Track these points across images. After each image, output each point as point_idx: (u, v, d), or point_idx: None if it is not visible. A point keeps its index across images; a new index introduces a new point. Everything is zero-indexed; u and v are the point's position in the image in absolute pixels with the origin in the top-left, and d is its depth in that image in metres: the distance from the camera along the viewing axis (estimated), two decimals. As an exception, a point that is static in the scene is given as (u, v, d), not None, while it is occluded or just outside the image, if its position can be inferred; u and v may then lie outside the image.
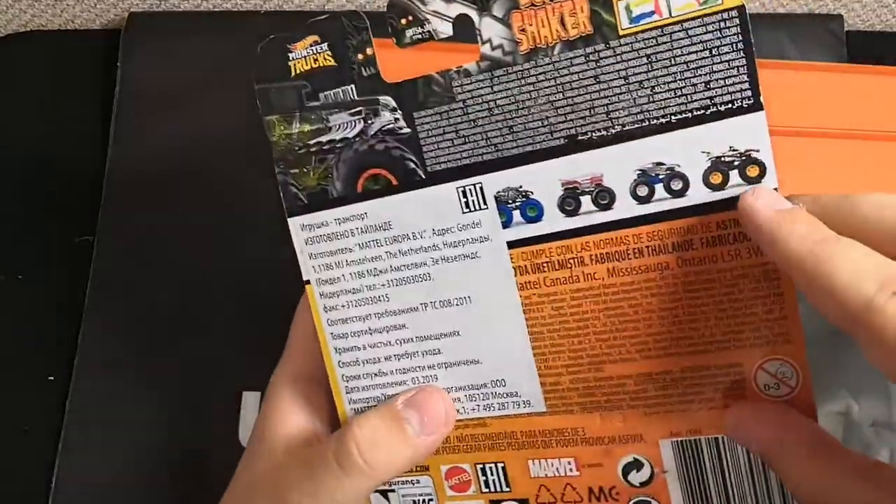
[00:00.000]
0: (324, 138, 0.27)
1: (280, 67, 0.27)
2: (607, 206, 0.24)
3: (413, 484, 0.29)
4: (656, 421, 0.25)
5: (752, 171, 0.23)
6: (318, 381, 0.30)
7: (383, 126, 0.26)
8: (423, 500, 0.29)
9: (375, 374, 0.28)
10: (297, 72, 0.27)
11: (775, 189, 0.23)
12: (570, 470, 0.27)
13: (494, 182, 0.25)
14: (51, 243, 0.44)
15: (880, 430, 0.37)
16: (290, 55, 0.27)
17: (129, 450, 0.40)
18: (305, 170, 0.27)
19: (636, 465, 0.26)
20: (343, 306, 0.28)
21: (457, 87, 0.25)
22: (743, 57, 0.22)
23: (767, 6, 0.47)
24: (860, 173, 0.39)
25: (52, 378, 0.42)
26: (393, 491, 0.29)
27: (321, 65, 0.26)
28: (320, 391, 0.30)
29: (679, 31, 0.23)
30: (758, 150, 0.23)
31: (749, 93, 0.22)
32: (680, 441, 0.25)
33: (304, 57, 0.26)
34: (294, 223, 0.28)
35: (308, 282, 0.28)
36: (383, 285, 0.27)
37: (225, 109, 0.45)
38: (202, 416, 0.40)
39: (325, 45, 0.26)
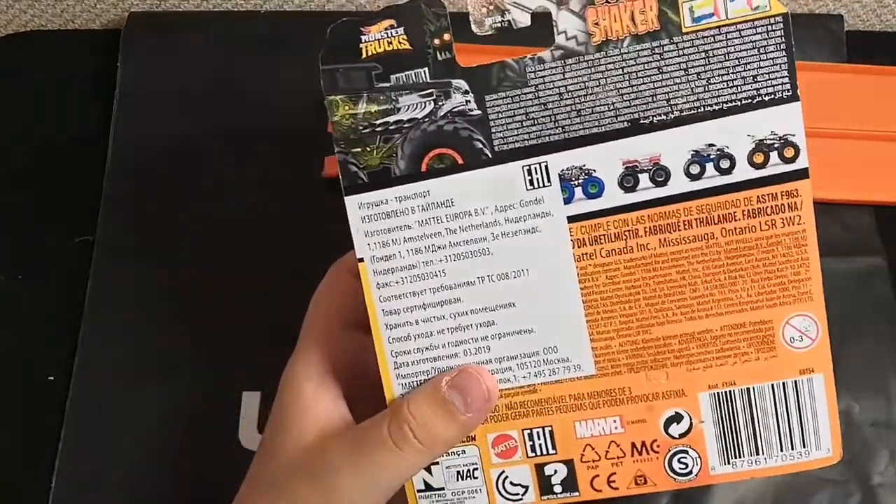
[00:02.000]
0: (391, 118, 0.28)
1: (350, 49, 0.28)
2: (663, 183, 0.28)
3: (459, 455, 0.30)
4: (696, 376, 0.29)
5: (789, 153, 0.27)
6: (337, 372, 0.31)
7: (454, 108, 0.28)
8: (469, 470, 0.30)
9: (426, 349, 0.29)
10: (369, 54, 0.28)
11: (806, 168, 0.27)
12: (616, 428, 0.29)
13: (559, 161, 0.28)
14: (51, 243, 0.44)
15: (880, 430, 0.39)
16: (363, 38, 0.28)
17: (128, 450, 0.40)
18: (369, 149, 0.28)
19: (676, 418, 0.29)
20: (397, 283, 0.29)
21: (530, 72, 0.27)
22: (785, 55, 0.27)
23: (767, 6, 0.50)
24: (860, 173, 0.44)
25: (52, 378, 0.42)
26: (437, 464, 0.30)
27: (395, 48, 0.28)
28: (339, 382, 0.31)
29: (734, 31, 0.27)
30: (794, 135, 0.27)
31: (788, 86, 0.27)
32: (716, 393, 0.29)
33: (378, 40, 0.28)
34: (352, 201, 0.29)
35: (361, 259, 0.29)
36: (441, 261, 0.29)
37: (225, 109, 0.45)
38: (202, 416, 0.40)
39: (401, 30, 0.28)
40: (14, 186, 0.46)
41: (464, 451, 0.30)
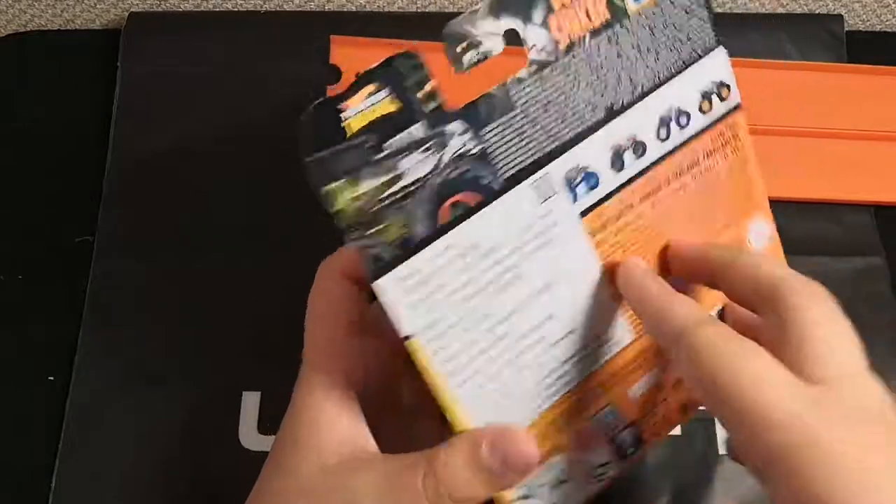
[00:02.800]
0: (397, 186, 0.26)
1: (332, 132, 0.25)
2: (642, 154, 0.30)
3: (549, 469, 0.31)
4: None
5: (725, 93, 0.31)
6: (350, 383, 0.29)
7: (455, 153, 0.27)
8: (560, 479, 0.31)
9: (498, 389, 0.29)
10: (355, 129, 0.25)
11: (739, 102, 0.31)
12: (657, 376, 0.32)
13: (559, 168, 0.28)
14: (51, 243, 0.44)
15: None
16: (343, 115, 0.25)
17: (128, 450, 0.39)
18: (384, 225, 0.26)
19: None
20: (452, 343, 0.28)
21: (514, 95, 0.27)
22: (706, 9, 0.30)
23: (767, 6, 0.48)
24: (860, 173, 0.43)
25: (52, 378, 0.41)
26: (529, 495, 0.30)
27: (383, 112, 0.25)
28: (355, 398, 0.29)
29: (666, 2, 0.29)
30: (725, 76, 0.31)
31: (713, 34, 0.30)
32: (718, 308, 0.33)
33: (362, 111, 0.25)
34: (383, 284, 0.27)
35: (408, 336, 0.27)
36: (483, 304, 0.28)
37: (225, 109, 0.45)
38: (202, 416, 0.40)
39: (382, 93, 0.25)
40: (14, 186, 0.46)
41: (553, 464, 0.31)
